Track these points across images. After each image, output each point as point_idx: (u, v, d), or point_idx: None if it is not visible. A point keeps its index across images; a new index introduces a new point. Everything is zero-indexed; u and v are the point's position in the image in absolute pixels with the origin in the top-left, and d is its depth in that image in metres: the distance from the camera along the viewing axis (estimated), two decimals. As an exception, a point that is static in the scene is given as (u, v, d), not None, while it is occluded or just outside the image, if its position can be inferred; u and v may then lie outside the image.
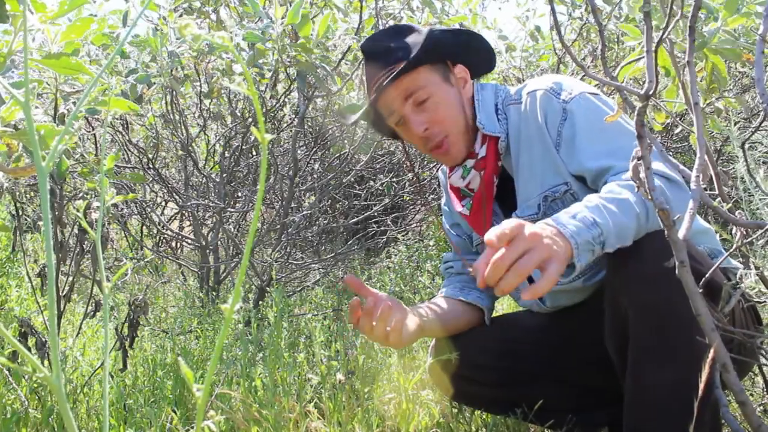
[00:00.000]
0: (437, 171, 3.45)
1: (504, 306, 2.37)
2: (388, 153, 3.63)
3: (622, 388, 1.22)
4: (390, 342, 1.33)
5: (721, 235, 1.41)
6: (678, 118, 2.50)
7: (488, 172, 1.46)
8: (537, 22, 3.58)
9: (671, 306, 1.10)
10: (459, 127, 1.44)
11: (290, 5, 1.97)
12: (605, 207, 1.14)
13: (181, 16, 2.35)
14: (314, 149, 3.17)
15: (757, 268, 0.95)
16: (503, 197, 1.50)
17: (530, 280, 1.46)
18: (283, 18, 1.94)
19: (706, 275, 0.92)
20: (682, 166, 0.84)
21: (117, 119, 2.56)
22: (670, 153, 3.42)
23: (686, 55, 0.80)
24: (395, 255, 3.09)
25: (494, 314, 1.62)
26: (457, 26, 2.73)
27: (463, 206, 1.54)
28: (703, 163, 0.81)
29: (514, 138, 1.44)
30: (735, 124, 1.07)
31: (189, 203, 2.73)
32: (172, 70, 2.03)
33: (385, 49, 1.43)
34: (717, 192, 1.21)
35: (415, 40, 1.41)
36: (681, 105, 1.40)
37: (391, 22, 2.60)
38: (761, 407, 1.62)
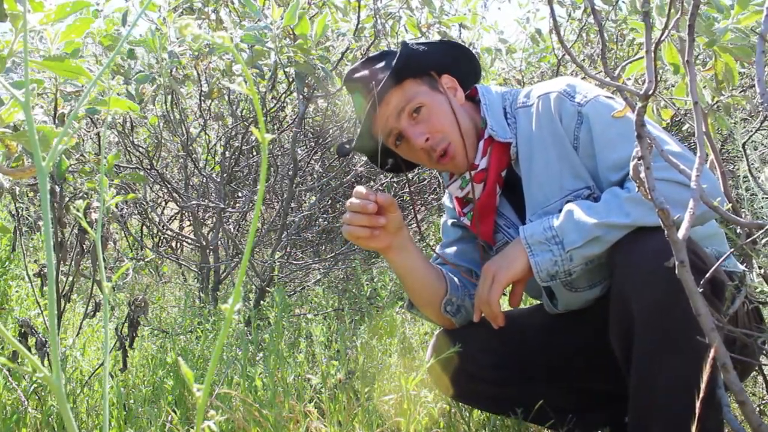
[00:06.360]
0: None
1: (504, 304, 2.36)
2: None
3: (626, 386, 1.22)
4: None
5: (726, 235, 1.40)
6: (685, 115, 2.49)
7: (490, 183, 1.42)
8: (537, 25, 3.58)
9: (677, 304, 1.10)
10: (457, 133, 1.40)
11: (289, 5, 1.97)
12: (569, 210, 1.25)
13: (181, 15, 2.35)
14: (314, 149, 3.17)
15: (760, 268, 0.95)
16: (518, 202, 1.45)
17: (549, 292, 1.45)
18: (280, 19, 1.94)
19: (707, 274, 0.93)
20: (682, 165, 0.84)
21: (119, 122, 2.56)
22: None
23: (686, 54, 0.80)
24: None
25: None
26: (456, 26, 2.73)
27: (464, 215, 1.51)
28: (703, 163, 0.81)
29: (524, 143, 1.39)
30: (738, 123, 1.08)
31: (189, 203, 2.73)
32: (171, 71, 2.03)
33: (368, 74, 1.41)
34: (723, 191, 1.21)
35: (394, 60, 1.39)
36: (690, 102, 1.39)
37: (390, 22, 2.60)
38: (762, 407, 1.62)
